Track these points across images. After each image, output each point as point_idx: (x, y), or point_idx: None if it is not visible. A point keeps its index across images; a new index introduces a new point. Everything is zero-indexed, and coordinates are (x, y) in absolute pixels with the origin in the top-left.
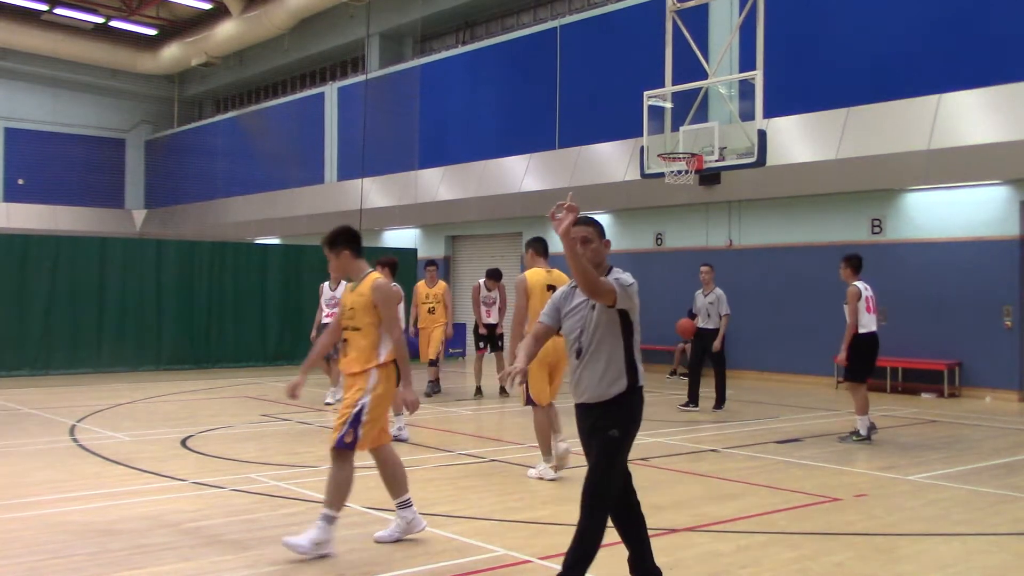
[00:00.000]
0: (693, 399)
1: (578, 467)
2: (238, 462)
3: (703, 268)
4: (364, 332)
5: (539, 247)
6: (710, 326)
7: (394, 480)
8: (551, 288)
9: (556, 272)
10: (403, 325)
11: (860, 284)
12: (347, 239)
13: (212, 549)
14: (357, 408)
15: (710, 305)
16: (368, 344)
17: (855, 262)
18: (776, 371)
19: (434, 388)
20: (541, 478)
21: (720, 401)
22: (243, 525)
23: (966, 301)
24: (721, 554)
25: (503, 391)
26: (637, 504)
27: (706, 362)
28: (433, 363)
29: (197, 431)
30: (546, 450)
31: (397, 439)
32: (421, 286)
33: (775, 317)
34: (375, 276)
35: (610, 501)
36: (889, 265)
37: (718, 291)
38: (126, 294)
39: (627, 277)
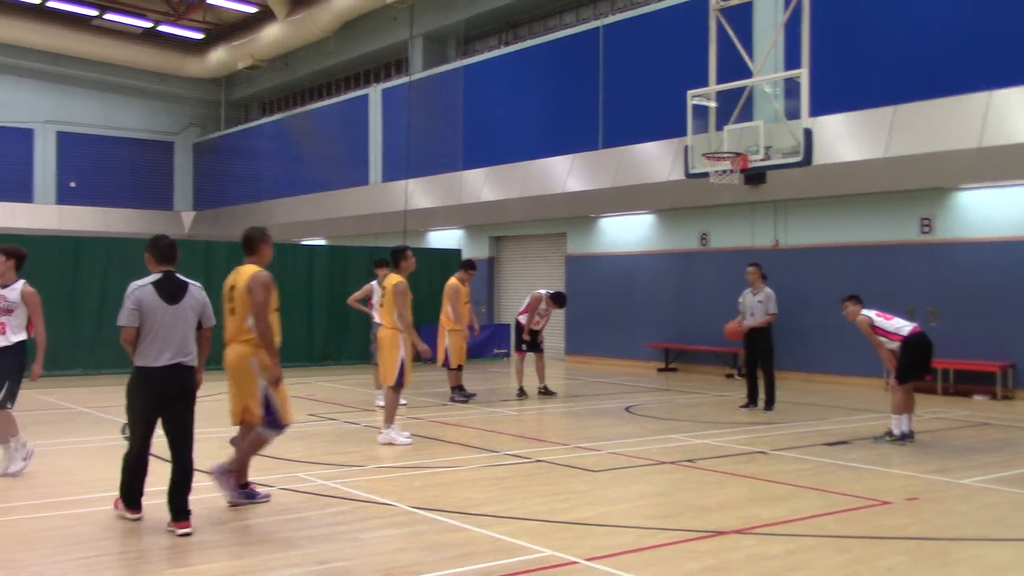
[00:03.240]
0: (752, 399)
1: (620, 468)
2: (286, 461)
3: (749, 268)
4: None
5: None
6: (759, 324)
7: None
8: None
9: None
10: (40, 329)
11: (865, 312)
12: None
13: (261, 547)
14: None
15: (758, 304)
16: None
17: (854, 298)
18: (824, 372)
19: (467, 395)
20: (392, 443)
21: (770, 402)
22: (292, 524)
23: (1018, 301)
24: (769, 557)
25: (544, 391)
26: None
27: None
28: (460, 368)
29: None
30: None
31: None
32: (461, 285)
33: (822, 318)
34: None
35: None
36: (939, 265)
37: (768, 290)
38: None
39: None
